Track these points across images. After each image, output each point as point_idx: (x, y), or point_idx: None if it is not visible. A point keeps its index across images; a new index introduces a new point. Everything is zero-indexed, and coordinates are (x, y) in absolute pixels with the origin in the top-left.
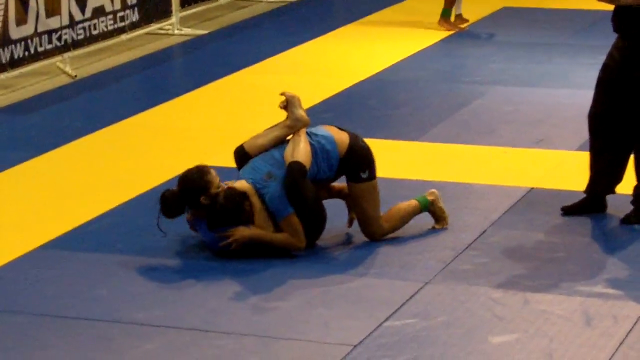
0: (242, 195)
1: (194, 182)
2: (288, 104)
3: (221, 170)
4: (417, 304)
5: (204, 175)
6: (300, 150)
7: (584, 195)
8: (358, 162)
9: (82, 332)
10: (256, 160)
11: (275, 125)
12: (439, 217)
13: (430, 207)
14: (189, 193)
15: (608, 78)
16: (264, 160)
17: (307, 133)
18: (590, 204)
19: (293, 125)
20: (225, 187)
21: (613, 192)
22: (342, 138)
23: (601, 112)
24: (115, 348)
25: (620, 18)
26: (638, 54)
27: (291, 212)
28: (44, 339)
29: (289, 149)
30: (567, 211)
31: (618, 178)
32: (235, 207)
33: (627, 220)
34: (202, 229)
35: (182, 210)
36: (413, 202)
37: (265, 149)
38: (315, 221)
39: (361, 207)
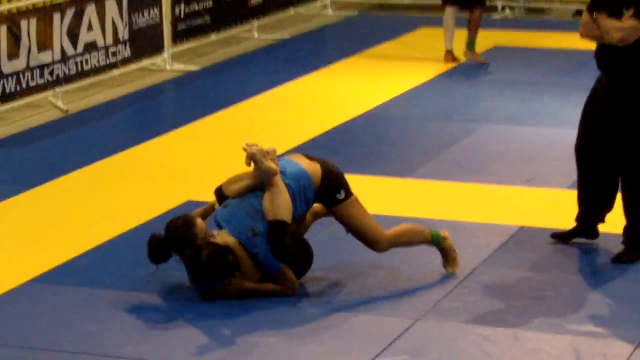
0: (226, 249)
1: (179, 234)
2: (252, 159)
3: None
4: (408, 341)
5: (190, 227)
6: (280, 205)
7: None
8: (332, 187)
9: None
10: (234, 205)
11: (247, 173)
12: (450, 258)
13: (442, 243)
14: (174, 244)
15: (592, 111)
16: (243, 208)
17: (286, 177)
18: (581, 231)
19: (261, 178)
20: (210, 238)
21: (603, 221)
22: (314, 169)
23: (586, 143)
24: None
25: (603, 54)
26: (620, 90)
27: (282, 266)
28: None
29: (267, 201)
30: (558, 237)
31: (607, 207)
32: (219, 261)
33: (618, 260)
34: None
35: (168, 257)
36: (426, 230)
37: (240, 195)
38: (302, 262)
39: (353, 227)
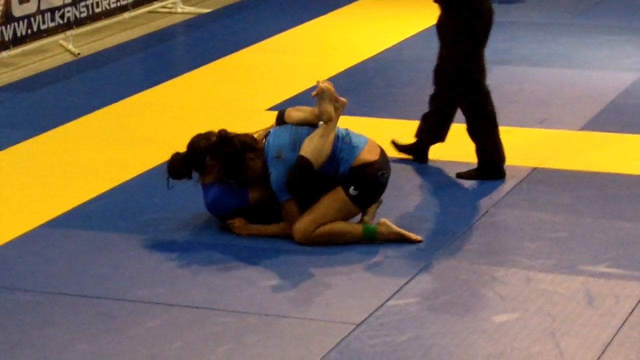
0: (253, 142)
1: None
2: (319, 95)
3: None
4: (420, 283)
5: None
6: (316, 147)
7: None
8: (359, 180)
9: (84, 309)
10: (287, 127)
11: (309, 108)
12: (405, 237)
13: (379, 237)
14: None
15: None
16: (290, 132)
17: (343, 132)
18: (416, 149)
19: (318, 117)
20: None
21: (432, 144)
22: (372, 149)
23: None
24: (117, 325)
25: None
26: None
27: (289, 199)
28: (46, 317)
29: (309, 138)
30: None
31: (441, 134)
32: (243, 144)
33: (461, 175)
34: (209, 192)
35: (189, 169)
36: (357, 227)
37: (296, 124)
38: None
39: (317, 203)
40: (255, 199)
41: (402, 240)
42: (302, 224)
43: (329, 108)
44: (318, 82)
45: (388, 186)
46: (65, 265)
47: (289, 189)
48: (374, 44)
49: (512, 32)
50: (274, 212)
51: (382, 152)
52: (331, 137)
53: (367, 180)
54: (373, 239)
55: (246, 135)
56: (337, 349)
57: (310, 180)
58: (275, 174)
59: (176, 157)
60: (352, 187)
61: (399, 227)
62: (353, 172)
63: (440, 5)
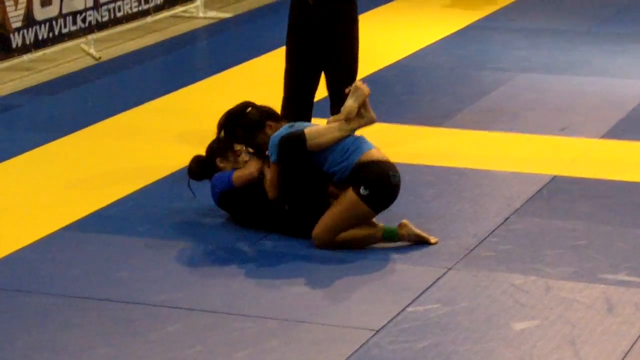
0: (274, 111)
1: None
2: (351, 92)
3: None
4: (440, 289)
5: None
6: (319, 130)
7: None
8: (369, 176)
9: (104, 313)
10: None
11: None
12: (423, 239)
13: (399, 239)
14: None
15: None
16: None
17: (357, 137)
18: None
19: (363, 123)
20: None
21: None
22: (382, 154)
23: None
24: (137, 330)
25: None
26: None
27: (274, 161)
28: (66, 320)
29: (323, 124)
30: None
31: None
32: (264, 111)
33: None
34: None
35: (210, 165)
36: (377, 230)
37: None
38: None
39: (330, 208)
40: (235, 179)
41: (421, 241)
42: (320, 232)
43: (354, 107)
44: (358, 85)
45: (409, 192)
46: (85, 269)
47: (278, 153)
48: (394, 51)
49: (533, 40)
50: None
51: (391, 162)
52: (339, 134)
53: (378, 177)
54: (393, 240)
55: (270, 109)
56: (356, 355)
57: (297, 154)
58: (277, 133)
59: (195, 158)
60: (363, 187)
61: (420, 231)
62: (361, 168)
63: None
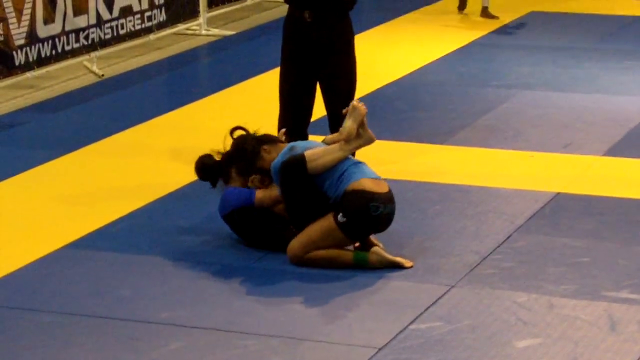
0: (268, 136)
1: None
2: (349, 113)
3: None
4: (442, 307)
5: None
6: (317, 152)
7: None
8: (348, 206)
9: (107, 331)
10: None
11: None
12: (396, 264)
13: (370, 265)
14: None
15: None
16: (312, 144)
17: (357, 161)
18: None
19: (340, 132)
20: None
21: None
22: (379, 184)
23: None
24: (140, 347)
25: None
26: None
27: (274, 189)
28: (69, 338)
29: (324, 146)
30: None
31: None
32: (257, 138)
33: None
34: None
35: (217, 174)
36: (347, 254)
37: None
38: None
39: (309, 227)
40: (259, 200)
41: (395, 267)
42: (293, 247)
43: (354, 127)
44: (356, 105)
45: (412, 209)
46: (88, 287)
47: (279, 176)
48: (397, 68)
49: (536, 57)
50: (276, 219)
51: (390, 192)
52: (339, 154)
53: (356, 207)
54: (364, 267)
55: (264, 134)
56: None
57: (299, 178)
58: (279, 159)
59: (208, 155)
60: (341, 214)
61: (423, 249)
62: (345, 197)
63: None
